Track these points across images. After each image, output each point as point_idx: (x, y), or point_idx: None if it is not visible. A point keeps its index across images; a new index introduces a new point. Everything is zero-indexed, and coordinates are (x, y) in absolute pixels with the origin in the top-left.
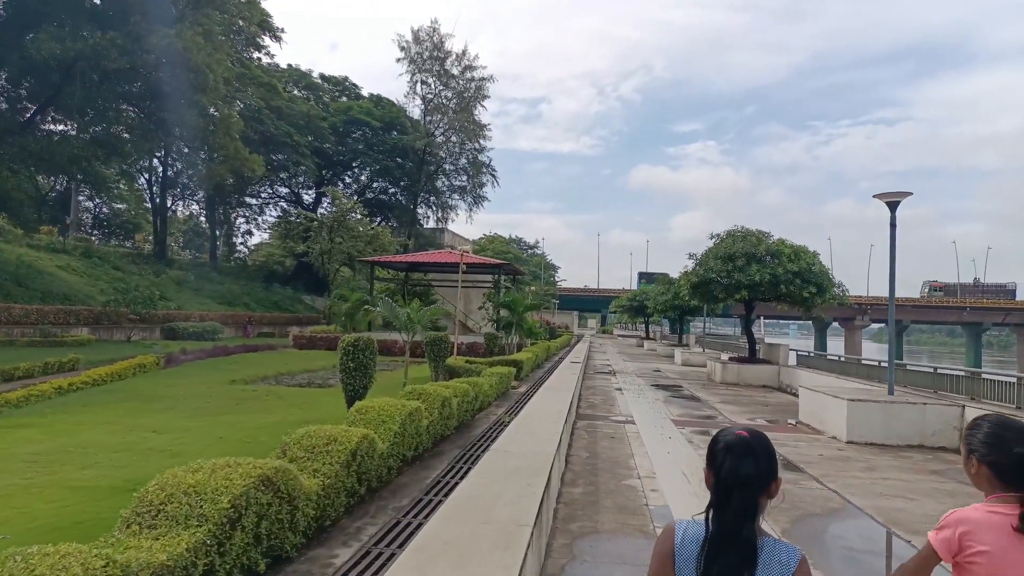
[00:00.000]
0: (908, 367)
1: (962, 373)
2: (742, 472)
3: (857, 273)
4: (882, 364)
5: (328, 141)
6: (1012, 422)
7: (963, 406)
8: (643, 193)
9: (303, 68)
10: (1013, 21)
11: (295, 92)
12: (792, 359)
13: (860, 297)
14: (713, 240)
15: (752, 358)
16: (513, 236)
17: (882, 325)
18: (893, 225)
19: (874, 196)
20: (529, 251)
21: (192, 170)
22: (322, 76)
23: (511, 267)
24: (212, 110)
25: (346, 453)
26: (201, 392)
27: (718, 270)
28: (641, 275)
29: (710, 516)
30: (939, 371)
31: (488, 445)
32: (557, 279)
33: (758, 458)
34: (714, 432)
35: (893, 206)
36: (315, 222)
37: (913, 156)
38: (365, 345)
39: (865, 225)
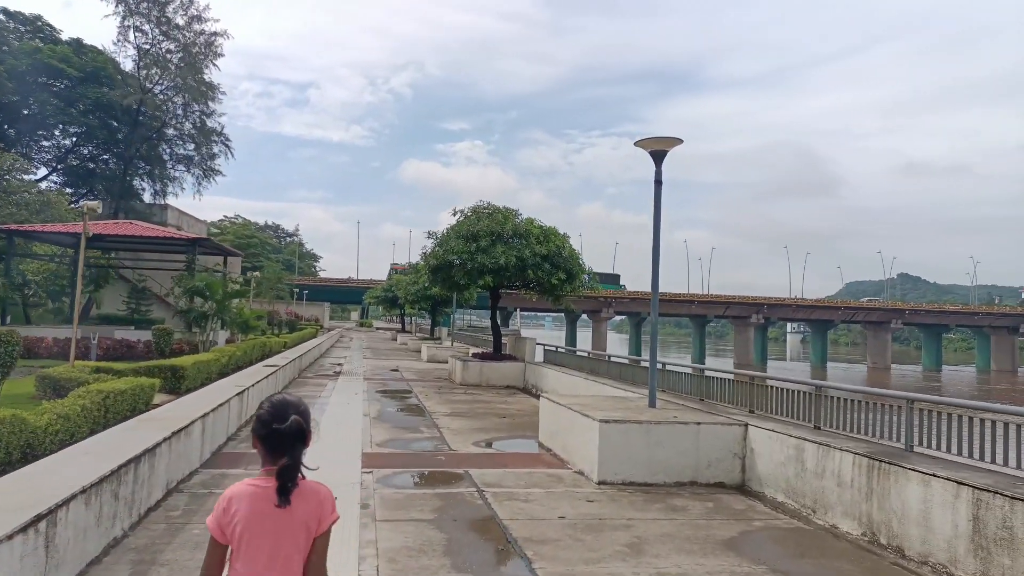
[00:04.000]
0: (668, 367)
1: (735, 377)
2: None
3: (604, 269)
4: (641, 363)
5: (5, 90)
6: (283, 400)
7: (746, 425)
8: (414, 188)
9: None
10: (734, 58)
11: None
12: (539, 355)
13: (607, 291)
14: (457, 217)
15: (496, 354)
16: (270, 223)
17: (623, 317)
18: (658, 182)
19: (636, 143)
20: (288, 239)
21: None
22: (4, 11)
23: (213, 244)
24: None
25: None
26: None
27: (459, 251)
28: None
29: None
30: (708, 374)
31: None
32: (318, 269)
33: None
34: (427, 472)
35: (659, 157)
36: None
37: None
38: None
39: (612, 227)
